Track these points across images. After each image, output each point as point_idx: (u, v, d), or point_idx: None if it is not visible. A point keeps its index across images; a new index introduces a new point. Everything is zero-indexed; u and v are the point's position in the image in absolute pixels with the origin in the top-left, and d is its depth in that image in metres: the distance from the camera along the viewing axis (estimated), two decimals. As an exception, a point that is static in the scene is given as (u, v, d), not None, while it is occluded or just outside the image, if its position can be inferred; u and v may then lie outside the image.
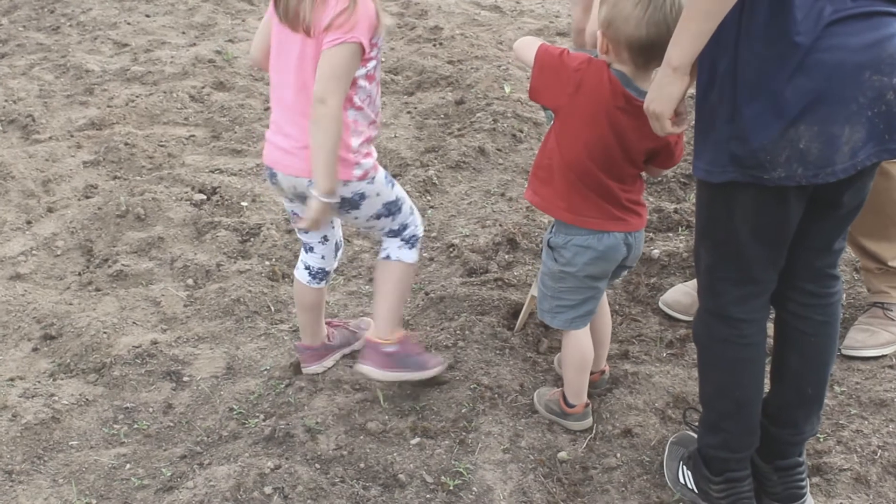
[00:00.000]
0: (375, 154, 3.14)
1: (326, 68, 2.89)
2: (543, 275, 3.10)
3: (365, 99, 3.02)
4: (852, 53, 2.29)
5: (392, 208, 3.22)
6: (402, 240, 3.29)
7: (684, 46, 2.36)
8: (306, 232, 3.29)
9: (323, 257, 3.38)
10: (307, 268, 3.39)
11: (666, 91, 2.45)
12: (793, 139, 2.34)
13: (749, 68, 2.35)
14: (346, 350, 3.58)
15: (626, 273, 3.19)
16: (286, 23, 2.95)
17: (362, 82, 2.98)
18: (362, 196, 3.11)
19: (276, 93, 3.09)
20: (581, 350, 3.14)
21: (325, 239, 3.35)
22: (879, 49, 2.31)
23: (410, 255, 3.31)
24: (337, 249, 3.41)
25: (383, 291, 3.33)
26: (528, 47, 2.91)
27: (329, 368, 3.53)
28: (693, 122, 2.56)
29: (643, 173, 3.01)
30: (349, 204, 3.11)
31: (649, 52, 2.70)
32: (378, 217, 3.20)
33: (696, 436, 3.04)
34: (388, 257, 3.30)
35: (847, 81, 2.31)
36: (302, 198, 3.10)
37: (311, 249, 3.37)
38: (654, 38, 2.66)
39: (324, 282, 3.41)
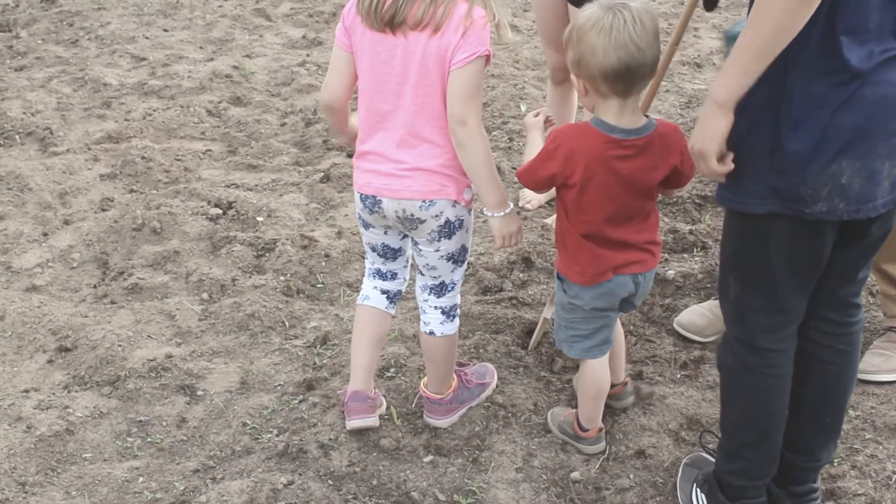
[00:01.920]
0: None
1: (463, 87, 2.82)
2: (557, 305, 3.10)
3: None
4: (894, 87, 2.30)
5: (462, 256, 3.16)
6: (443, 313, 3.22)
7: (734, 83, 2.29)
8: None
9: (404, 279, 3.32)
10: (385, 292, 3.29)
11: (711, 129, 2.35)
12: (835, 174, 2.33)
13: (795, 102, 2.33)
14: (379, 412, 3.34)
15: (632, 309, 3.17)
16: (398, 28, 2.81)
17: None
18: (461, 224, 3.05)
19: (379, 120, 2.96)
20: (597, 380, 3.13)
21: (408, 261, 3.29)
22: None
23: (453, 326, 3.25)
24: (410, 268, 3.35)
25: (435, 361, 3.29)
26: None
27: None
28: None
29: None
30: (447, 229, 3.02)
31: (626, 77, 2.69)
32: (449, 259, 3.11)
33: (710, 458, 3.03)
34: (432, 333, 3.23)
35: (889, 115, 2.32)
36: (409, 223, 3.01)
37: (393, 276, 3.29)
38: (626, 60, 2.66)
39: (396, 306, 3.37)
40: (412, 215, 2.99)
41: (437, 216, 2.98)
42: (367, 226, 3.16)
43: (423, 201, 2.95)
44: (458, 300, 3.26)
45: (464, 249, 3.15)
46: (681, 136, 2.87)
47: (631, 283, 2.97)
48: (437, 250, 3.08)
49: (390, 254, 3.23)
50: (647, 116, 2.83)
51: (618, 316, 3.14)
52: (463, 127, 2.85)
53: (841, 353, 2.74)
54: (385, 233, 3.15)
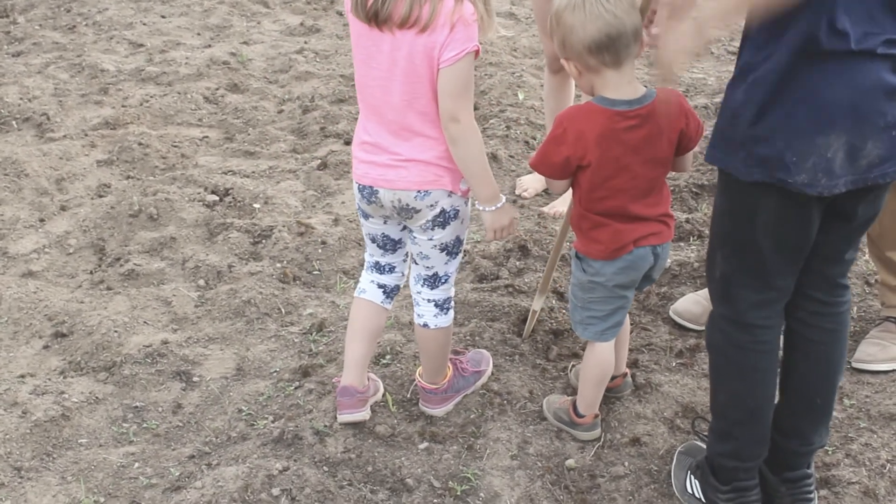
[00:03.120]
0: None
1: (453, 85, 2.80)
2: (573, 286, 3.10)
3: None
4: (888, 72, 2.33)
5: (456, 248, 3.14)
6: (436, 306, 3.21)
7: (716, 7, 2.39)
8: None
9: (402, 274, 3.30)
10: (381, 286, 3.28)
11: (681, 34, 2.45)
12: (821, 146, 2.36)
13: (791, 73, 2.35)
14: (374, 400, 3.39)
15: (649, 285, 3.19)
16: (385, 24, 2.78)
17: None
18: (456, 215, 3.04)
19: (373, 112, 2.95)
20: (603, 364, 3.14)
21: (406, 255, 3.27)
22: None
23: (447, 319, 3.24)
24: (408, 263, 3.33)
25: (429, 353, 3.30)
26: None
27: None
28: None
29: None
30: (441, 219, 3.02)
31: (609, 47, 2.72)
32: (442, 250, 3.10)
33: (704, 445, 3.04)
34: (426, 325, 3.23)
35: (881, 98, 2.34)
36: (405, 212, 3.01)
37: (391, 269, 3.27)
38: (605, 30, 2.69)
39: (393, 301, 3.36)
40: (408, 205, 2.99)
41: (432, 206, 2.98)
42: (366, 216, 3.15)
43: (419, 191, 2.95)
44: (451, 293, 3.26)
45: (458, 241, 3.14)
46: (682, 98, 2.91)
47: (650, 255, 2.98)
48: (431, 239, 3.07)
49: (390, 245, 3.22)
50: (645, 87, 2.85)
51: (633, 295, 3.15)
52: (455, 124, 2.84)
53: (829, 332, 2.75)
54: (384, 223, 3.15)
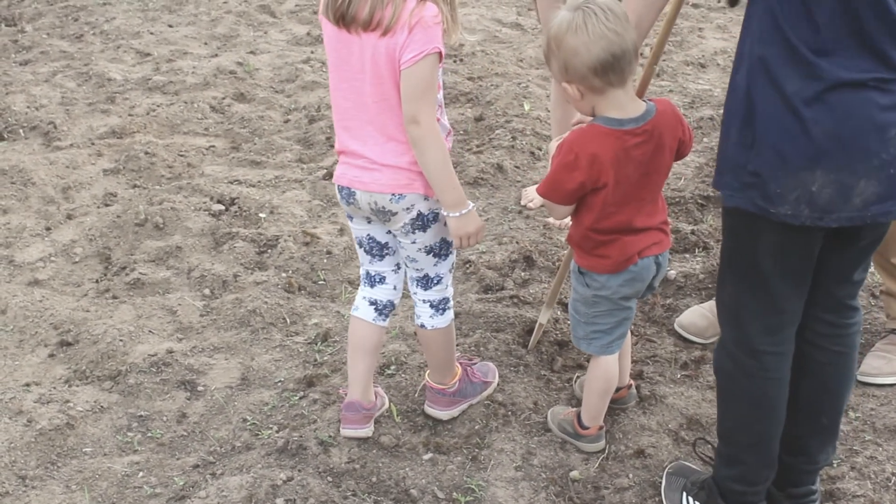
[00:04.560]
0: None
1: (413, 87, 2.79)
2: (575, 301, 3.09)
3: (437, 109, 2.90)
4: (880, 111, 2.30)
5: (444, 250, 3.13)
6: (432, 307, 3.20)
7: None
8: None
9: (395, 287, 3.26)
10: (373, 303, 3.25)
11: None
12: (806, 181, 2.34)
13: (778, 103, 2.34)
14: (378, 414, 3.38)
15: (651, 294, 3.19)
16: (351, 26, 2.78)
17: None
18: (435, 217, 3.02)
19: (343, 117, 2.96)
20: (608, 376, 3.14)
21: (398, 267, 3.24)
22: None
23: (445, 320, 3.23)
24: (403, 277, 3.30)
25: (431, 352, 3.31)
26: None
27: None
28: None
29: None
30: (420, 222, 3.00)
31: (614, 66, 2.69)
32: (429, 252, 3.09)
33: (695, 466, 3.04)
34: (423, 326, 3.23)
35: (872, 136, 2.31)
36: (382, 214, 3.00)
37: (381, 280, 3.24)
38: (610, 49, 2.67)
39: (388, 318, 3.31)
40: (384, 208, 2.98)
41: (408, 209, 2.97)
42: (350, 217, 3.16)
43: (393, 194, 2.95)
44: (447, 294, 3.24)
45: (444, 243, 3.11)
46: (674, 107, 2.92)
47: (653, 265, 2.99)
48: (414, 242, 3.06)
49: (376, 249, 3.19)
50: (644, 102, 2.85)
51: (636, 306, 3.15)
52: (415, 126, 2.81)
53: (837, 354, 2.72)
54: (368, 222, 3.13)
